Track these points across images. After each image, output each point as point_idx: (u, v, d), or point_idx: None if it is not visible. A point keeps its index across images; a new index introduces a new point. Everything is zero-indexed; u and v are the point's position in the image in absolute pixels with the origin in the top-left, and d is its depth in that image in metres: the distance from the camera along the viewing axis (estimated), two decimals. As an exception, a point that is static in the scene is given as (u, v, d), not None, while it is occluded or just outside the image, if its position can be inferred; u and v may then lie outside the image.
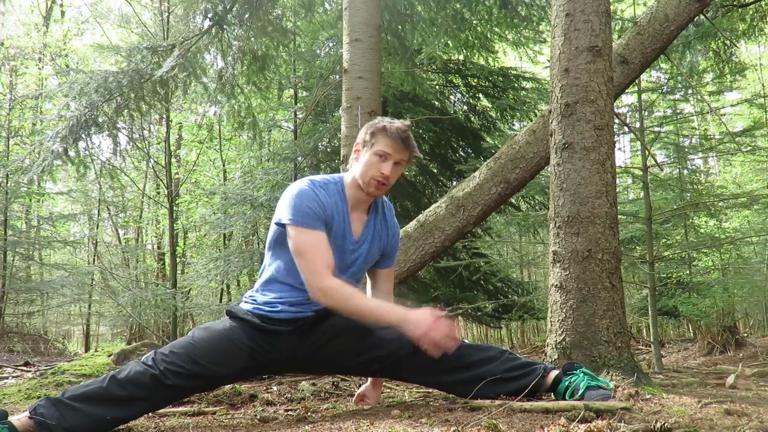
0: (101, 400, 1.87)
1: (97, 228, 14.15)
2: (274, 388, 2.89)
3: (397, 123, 2.07)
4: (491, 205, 3.60)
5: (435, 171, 8.36)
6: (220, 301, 10.72)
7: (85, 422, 1.83)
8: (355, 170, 2.10)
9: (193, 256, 13.18)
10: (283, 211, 2.03)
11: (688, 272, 7.17)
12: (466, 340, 2.17)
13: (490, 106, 8.11)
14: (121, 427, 1.97)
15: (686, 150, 6.39)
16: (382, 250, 2.21)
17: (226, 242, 11.63)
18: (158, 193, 13.64)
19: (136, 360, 2.01)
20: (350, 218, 2.11)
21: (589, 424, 1.65)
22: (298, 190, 2.04)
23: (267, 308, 2.07)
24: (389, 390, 2.69)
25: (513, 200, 7.30)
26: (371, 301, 2.11)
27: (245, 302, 2.15)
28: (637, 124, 5.33)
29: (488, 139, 7.95)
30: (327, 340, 2.09)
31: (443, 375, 2.05)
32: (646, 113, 5.65)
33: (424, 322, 1.89)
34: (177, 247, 10.51)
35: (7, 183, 9.29)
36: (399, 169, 2.10)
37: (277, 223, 2.06)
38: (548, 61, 4.18)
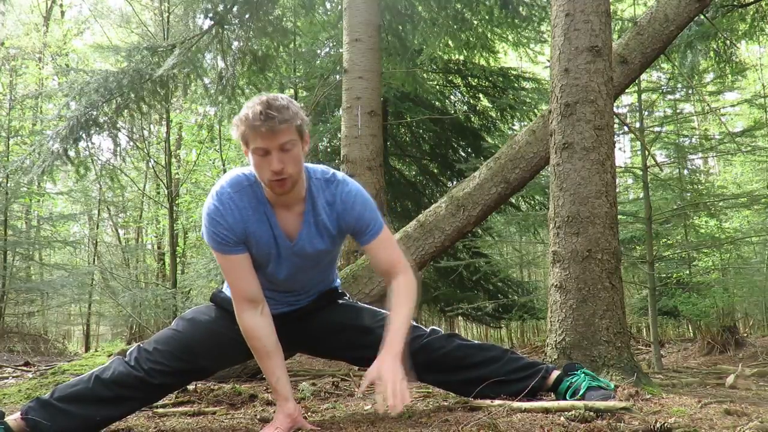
0: (88, 401, 1.83)
1: (97, 228, 14.16)
2: (274, 388, 2.88)
3: (257, 103, 1.66)
4: (491, 205, 3.61)
5: (435, 171, 8.36)
6: (220, 301, 10.70)
7: (75, 424, 1.81)
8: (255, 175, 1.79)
9: (193, 256, 13.19)
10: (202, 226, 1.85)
11: (688, 272, 7.16)
12: (475, 341, 2.15)
13: (491, 106, 8.12)
14: (121, 426, 1.97)
15: (686, 150, 6.38)
16: (341, 233, 1.91)
17: (226, 242, 11.60)
18: (158, 193, 13.65)
19: (119, 358, 1.94)
20: (278, 220, 1.83)
21: (589, 424, 1.66)
22: (206, 210, 1.79)
23: None
24: (389, 390, 2.68)
25: (513, 200, 7.30)
26: (271, 367, 1.84)
27: (228, 287, 1.99)
28: (637, 124, 5.33)
29: (488, 139, 7.96)
30: (322, 336, 2.06)
31: (446, 374, 2.04)
32: (646, 113, 5.65)
33: (281, 421, 1.79)
34: (177, 247, 10.52)
35: (7, 183, 9.29)
36: (292, 154, 1.68)
37: None
38: (548, 61, 4.19)
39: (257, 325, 1.82)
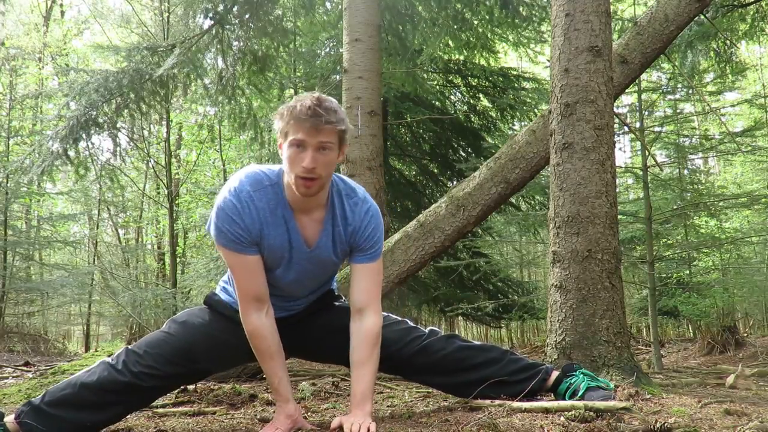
0: (76, 406, 1.80)
1: (97, 228, 14.16)
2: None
3: (307, 98, 1.65)
4: (491, 205, 3.61)
5: (435, 171, 8.36)
6: (220, 301, 10.69)
7: (67, 428, 1.79)
8: (284, 169, 1.75)
9: (193, 256, 13.17)
10: (210, 221, 1.78)
11: (688, 272, 7.17)
12: (475, 341, 2.15)
13: (491, 106, 8.11)
14: (121, 426, 1.97)
15: (686, 150, 6.38)
16: (350, 245, 1.87)
17: (226, 242, 11.59)
18: (158, 193, 13.65)
19: (104, 361, 1.88)
20: (298, 225, 1.79)
21: (588, 423, 1.66)
22: (221, 204, 1.73)
23: None
24: (389, 390, 2.69)
25: (513, 200, 7.30)
26: (273, 368, 1.82)
27: (223, 290, 2.00)
28: (637, 124, 5.33)
29: (488, 139, 7.96)
30: (318, 339, 2.03)
31: (446, 376, 2.03)
32: (646, 113, 5.65)
33: (282, 421, 1.78)
34: (177, 247, 10.53)
35: (7, 183, 9.29)
36: (328, 155, 1.66)
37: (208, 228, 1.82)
38: (548, 61, 4.19)
39: (263, 325, 1.80)
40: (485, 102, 8.21)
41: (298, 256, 1.82)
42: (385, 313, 2.08)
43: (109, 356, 1.92)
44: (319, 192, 1.73)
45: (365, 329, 1.82)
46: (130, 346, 1.91)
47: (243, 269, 1.77)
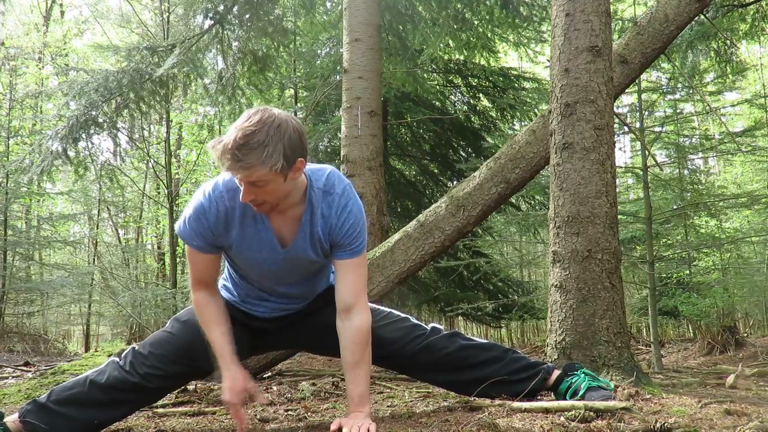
0: (85, 405, 1.82)
1: (97, 228, 14.16)
2: (274, 388, 2.89)
3: (232, 136, 1.54)
4: (491, 205, 3.60)
5: (435, 171, 8.37)
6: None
7: (73, 426, 1.80)
8: None
9: (193, 256, 13.15)
10: (181, 217, 1.84)
11: (688, 272, 7.16)
12: (477, 338, 2.14)
13: (491, 106, 8.12)
14: (121, 426, 1.97)
15: (686, 150, 6.38)
16: (330, 243, 1.84)
17: (226, 242, 11.58)
18: (158, 193, 13.65)
19: (114, 361, 1.91)
20: (272, 225, 1.79)
21: (589, 424, 1.66)
22: (195, 203, 1.77)
23: (248, 305, 1.98)
24: (389, 390, 2.69)
25: (513, 200, 7.31)
26: (215, 335, 1.83)
27: (223, 288, 2.02)
28: (637, 124, 5.33)
29: (488, 139, 7.97)
30: (320, 337, 2.02)
31: (448, 374, 2.04)
32: (646, 113, 5.64)
33: (229, 386, 1.80)
34: (177, 247, 10.53)
35: (7, 183, 9.29)
36: (267, 186, 1.62)
37: None
38: (548, 61, 4.19)
39: (205, 300, 1.86)
40: (485, 102, 8.21)
41: (273, 257, 1.82)
42: (388, 310, 2.09)
43: (117, 356, 1.94)
44: (276, 207, 1.73)
45: (354, 329, 1.81)
46: (136, 347, 1.93)
47: (197, 263, 1.85)
